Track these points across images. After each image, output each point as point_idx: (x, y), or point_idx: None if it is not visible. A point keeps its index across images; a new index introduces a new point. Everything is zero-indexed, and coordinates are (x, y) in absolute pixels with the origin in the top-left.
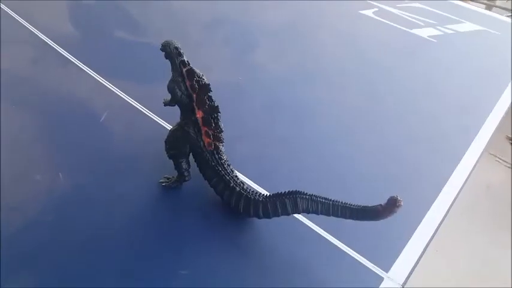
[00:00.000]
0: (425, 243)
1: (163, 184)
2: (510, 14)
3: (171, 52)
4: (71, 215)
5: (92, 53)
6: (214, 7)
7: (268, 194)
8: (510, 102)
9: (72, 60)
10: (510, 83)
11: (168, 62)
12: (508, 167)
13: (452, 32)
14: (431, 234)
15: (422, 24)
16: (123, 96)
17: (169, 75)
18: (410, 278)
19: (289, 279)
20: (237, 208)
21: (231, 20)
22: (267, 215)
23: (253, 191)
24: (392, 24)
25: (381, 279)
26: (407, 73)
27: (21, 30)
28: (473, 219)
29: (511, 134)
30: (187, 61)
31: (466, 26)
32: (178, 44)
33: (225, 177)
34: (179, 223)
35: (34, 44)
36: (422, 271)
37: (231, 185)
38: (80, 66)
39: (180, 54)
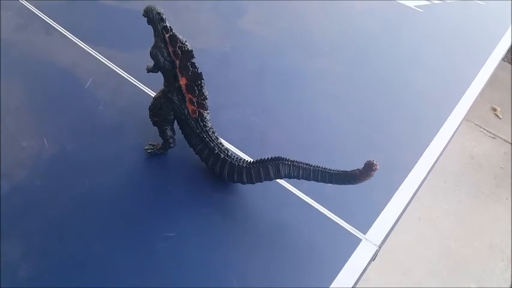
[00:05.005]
0: (403, 207)
1: (149, 151)
2: None
3: (153, 18)
4: (57, 181)
5: (75, 19)
6: None
7: (251, 160)
8: (492, 71)
9: (55, 27)
10: (492, 53)
11: (151, 28)
12: (492, 138)
13: (438, 1)
14: (409, 198)
15: None
16: (107, 63)
17: (153, 41)
18: (390, 241)
19: (271, 241)
20: (222, 174)
21: None
22: (251, 181)
23: (237, 158)
24: None
25: (359, 240)
26: (393, 42)
27: None
28: (458, 187)
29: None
30: (170, 27)
31: None
32: (160, 10)
33: (210, 144)
34: (165, 188)
35: (17, 11)
36: (407, 237)
37: (216, 151)
38: (64, 33)
39: (162, 20)
